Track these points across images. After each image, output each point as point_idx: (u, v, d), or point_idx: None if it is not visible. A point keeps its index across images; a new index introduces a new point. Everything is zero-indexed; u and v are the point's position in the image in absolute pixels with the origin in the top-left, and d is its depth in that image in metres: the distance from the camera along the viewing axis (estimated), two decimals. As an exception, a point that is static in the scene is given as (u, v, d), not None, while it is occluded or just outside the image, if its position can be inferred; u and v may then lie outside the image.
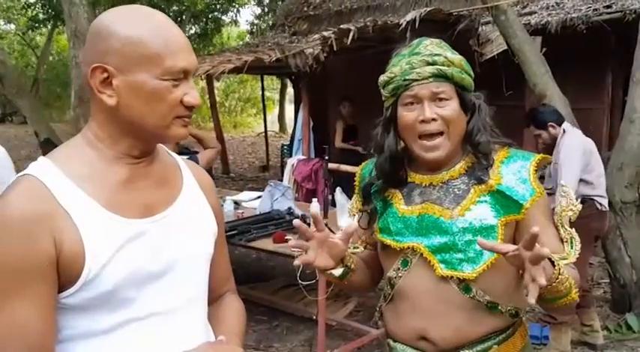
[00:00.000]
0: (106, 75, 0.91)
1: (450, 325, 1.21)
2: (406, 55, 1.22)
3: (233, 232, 3.10)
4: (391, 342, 1.32)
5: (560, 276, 1.08)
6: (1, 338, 0.86)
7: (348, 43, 5.25)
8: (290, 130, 12.30)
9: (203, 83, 8.85)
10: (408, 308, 1.25)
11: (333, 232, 1.22)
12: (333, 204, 3.60)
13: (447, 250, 1.19)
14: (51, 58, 19.96)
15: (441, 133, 1.20)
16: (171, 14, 11.97)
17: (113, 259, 0.90)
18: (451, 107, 1.19)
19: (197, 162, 2.09)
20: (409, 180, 1.29)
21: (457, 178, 1.25)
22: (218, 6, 14.05)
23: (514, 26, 3.93)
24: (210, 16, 14.14)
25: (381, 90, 1.27)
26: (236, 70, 6.02)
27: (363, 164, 1.43)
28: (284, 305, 3.91)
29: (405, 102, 1.21)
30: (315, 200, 3.60)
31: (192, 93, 0.94)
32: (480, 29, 5.55)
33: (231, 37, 19.74)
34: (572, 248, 1.22)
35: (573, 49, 5.42)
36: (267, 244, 3.14)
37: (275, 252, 3.18)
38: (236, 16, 15.26)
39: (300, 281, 1.19)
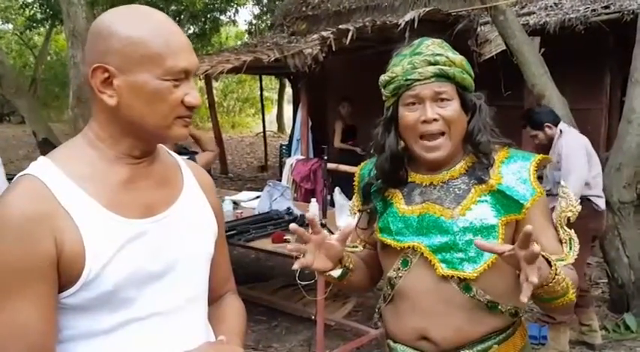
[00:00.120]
0: (106, 75, 0.91)
1: (450, 325, 1.21)
2: (407, 54, 1.22)
3: (232, 232, 3.10)
4: (391, 343, 1.32)
5: (556, 277, 1.08)
6: (1, 338, 0.86)
7: (347, 43, 5.25)
8: (288, 130, 12.30)
9: (201, 83, 8.85)
10: (409, 308, 1.25)
11: (332, 232, 1.22)
12: (332, 204, 3.60)
13: (447, 250, 1.20)
14: (49, 57, 19.93)
15: (442, 133, 1.20)
16: (169, 14, 11.95)
17: (114, 259, 0.90)
18: (452, 107, 1.20)
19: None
20: (409, 179, 1.29)
21: (457, 178, 1.25)
22: (216, 5, 14.04)
23: (513, 26, 3.93)
24: (208, 16, 14.13)
25: (382, 90, 1.27)
26: (235, 70, 6.02)
27: (362, 164, 1.43)
28: (283, 305, 3.91)
29: (406, 102, 1.21)
30: (313, 200, 3.61)
31: (193, 93, 0.94)
32: (478, 29, 5.56)
33: (230, 37, 19.74)
34: (570, 249, 1.23)
35: (572, 50, 5.43)
36: (265, 244, 3.14)
37: (274, 252, 3.18)
38: (234, 15, 15.24)
39: (299, 281, 1.19)
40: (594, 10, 5.59)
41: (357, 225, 1.40)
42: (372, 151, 1.33)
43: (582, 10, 5.63)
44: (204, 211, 1.08)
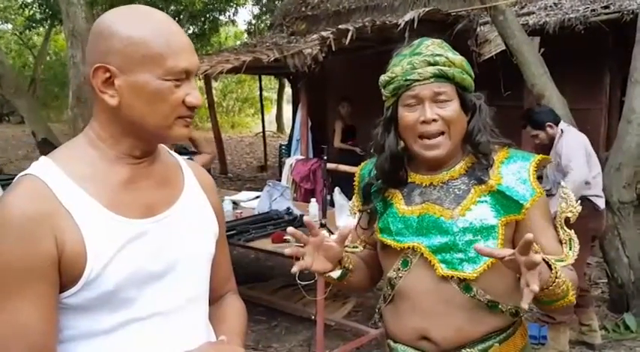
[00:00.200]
0: (108, 75, 0.91)
1: (450, 325, 1.21)
2: (407, 55, 1.22)
3: (232, 232, 3.10)
4: (391, 343, 1.32)
5: (557, 280, 1.08)
6: (2, 338, 0.86)
7: (347, 43, 5.26)
8: (288, 130, 12.30)
9: (201, 83, 8.85)
10: (409, 308, 1.25)
11: (332, 232, 1.22)
12: (332, 204, 3.60)
13: (447, 250, 1.20)
14: (48, 57, 19.93)
15: (441, 133, 1.20)
16: (169, 14, 11.90)
17: (114, 259, 0.90)
18: (452, 108, 1.20)
19: None
20: (409, 180, 1.29)
21: (457, 178, 1.25)
22: (216, 5, 14.03)
23: (512, 26, 3.93)
24: (207, 16, 14.13)
25: (382, 90, 1.27)
26: (234, 70, 6.03)
27: (362, 164, 1.43)
28: (283, 306, 3.91)
29: (405, 103, 1.22)
30: (313, 200, 3.61)
31: (194, 93, 0.94)
32: (478, 29, 5.57)
33: (229, 37, 19.74)
34: (570, 249, 1.23)
35: (571, 50, 5.44)
36: (265, 244, 3.14)
37: (274, 252, 3.17)
38: (234, 15, 15.24)
39: (298, 281, 1.19)
40: (594, 10, 5.60)
41: (357, 225, 1.40)
42: (372, 151, 1.33)
43: (582, 10, 5.63)
44: (205, 211, 1.08)
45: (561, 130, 3.26)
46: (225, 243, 1.17)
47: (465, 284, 1.19)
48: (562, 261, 1.20)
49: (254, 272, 4.63)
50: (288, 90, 15.81)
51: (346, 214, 3.16)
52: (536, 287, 0.98)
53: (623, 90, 4.15)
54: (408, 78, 1.19)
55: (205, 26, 14.45)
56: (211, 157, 3.60)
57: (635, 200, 3.71)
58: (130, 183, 0.96)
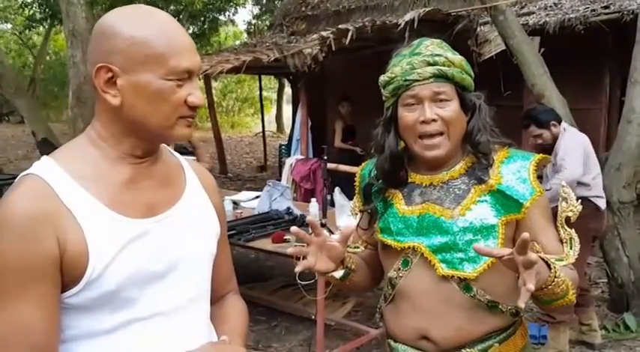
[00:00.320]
0: (110, 75, 0.91)
1: (451, 324, 1.21)
2: (407, 55, 1.22)
3: (232, 232, 3.10)
4: (392, 343, 1.32)
5: (556, 279, 1.08)
6: (4, 338, 0.86)
7: (347, 43, 5.26)
8: (288, 130, 12.30)
9: (201, 83, 8.85)
10: (409, 308, 1.26)
11: (332, 232, 1.23)
12: (332, 204, 3.60)
13: (447, 250, 1.20)
14: (48, 57, 19.92)
15: (441, 133, 1.20)
16: (169, 14, 11.93)
17: (116, 259, 0.90)
18: (451, 108, 1.20)
19: None
20: (409, 180, 1.30)
21: (457, 178, 1.25)
22: (216, 5, 14.03)
23: (512, 26, 3.93)
24: (207, 16, 14.12)
25: (382, 91, 1.27)
26: (234, 70, 6.03)
27: (363, 164, 1.44)
28: (283, 305, 3.91)
29: (405, 103, 1.22)
30: (313, 200, 3.61)
31: (195, 93, 0.94)
32: (478, 29, 5.57)
33: (229, 37, 19.73)
34: (571, 248, 1.23)
35: (571, 50, 5.44)
36: (265, 244, 3.14)
37: (274, 252, 3.18)
38: (233, 15, 15.24)
39: (298, 281, 1.19)
40: (594, 10, 5.60)
41: (358, 226, 1.40)
42: (372, 151, 1.33)
43: (582, 10, 5.64)
44: (207, 211, 1.08)
45: (563, 129, 3.27)
46: (226, 243, 1.17)
47: (465, 284, 1.19)
48: (562, 260, 1.20)
49: (254, 272, 4.63)
50: (287, 90, 15.81)
51: (346, 214, 3.16)
52: (531, 286, 0.98)
53: (623, 90, 4.16)
54: (408, 78, 1.20)
55: (205, 26, 14.44)
56: (207, 167, 3.62)
57: (635, 200, 3.71)
58: (131, 183, 0.96)
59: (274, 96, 19.84)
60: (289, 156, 6.70)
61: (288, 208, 3.56)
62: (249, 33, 14.75)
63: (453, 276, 1.19)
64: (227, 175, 9.63)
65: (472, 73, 1.25)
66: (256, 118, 18.28)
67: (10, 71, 7.28)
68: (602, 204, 3.24)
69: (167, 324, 0.98)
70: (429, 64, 1.19)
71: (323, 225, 3.26)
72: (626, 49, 4.01)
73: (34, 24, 14.52)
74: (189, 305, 1.02)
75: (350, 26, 5.36)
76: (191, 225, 1.03)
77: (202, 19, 14.14)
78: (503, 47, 4.35)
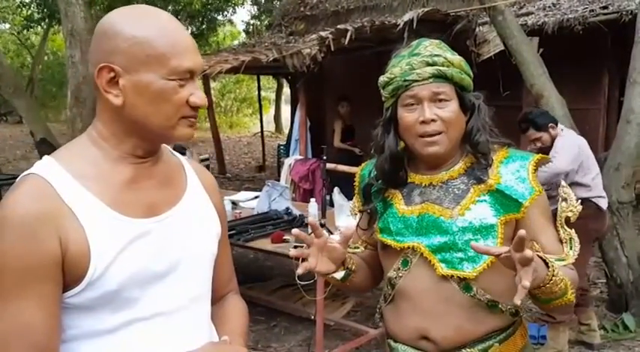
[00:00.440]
0: (112, 74, 0.91)
1: (451, 324, 1.21)
2: (406, 55, 1.22)
3: (231, 232, 3.10)
4: (392, 343, 1.32)
5: (554, 278, 1.08)
6: (5, 337, 0.86)
7: (346, 43, 5.25)
8: (286, 130, 12.29)
9: (199, 83, 8.84)
10: (409, 308, 1.26)
11: (332, 232, 1.23)
12: (331, 204, 3.60)
13: (447, 249, 1.20)
14: (46, 57, 19.90)
15: (440, 133, 1.21)
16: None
17: (118, 259, 0.90)
18: (450, 108, 1.20)
19: None
20: (409, 180, 1.30)
21: (457, 178, 1.25)
22: (214, 5, 14.03)
23: (511, 27, 3.94)
24: (206, 15, 14.12)
25: (381, 91, 1.27)
26: (233, 70, 6.02)
27: (363, 165, 1.44)
28: (282, 305, 3.91)
29: (405, 103, 1.22)
30: (313, 200, 3.61)
31: (197, 93, 0.94)
32: (477, 30, 5.57)
33: (227, 37, 19.73)
34: (571, 249, 1.23)
35: (570, 50, 5.45)
36: (265, 244, 3.14)
37: (273, 252, 3.18)
38: (232, 15, 15.25)
39: (298, 281, 1.19)
40: (592, 10, 5.62)
41: (357, 226, 1.40)
42: (372, 152, 1.33)
43: (580, 11, 5.65)
44: (208, 211, 1.08)
45: (561, 130, 3.27)
46: (227, 243, 1.17)
47: (464, 284, 1.19)
48: (562, 259, 1.20)
49: (253, 273, 4.63)
50: (286, 90, 15.80)
51: (346, 214, 3.16)
52: (527, 283, 0.98)
53: (622, 91, 4.16)
54: (407, 78, 1.20)
55: (203, 26, 14.44)
56: None
57: (633, 200, 3.72)
58: (133, 183, 0.96)
59: (273, 96, 19.84)
60: (288, 156, 6.70)
61: (287, 208, 3.56)
62: (247, 33, 14.74)
63: (452, 276, 1.19)
64: (225, 175, 9.62)
65: (471, 73, 1.25)
66: (255, 118, 18.28)
67: (9, 71, 7.26)
68: (603, 204, 3.23)
69: (168, 324, 0.98)
70: (428, 65, 1.19)
71: (322, 225, 3.26)
72: (624, 50, 4.02)
73: (32, 24, 14.50)
74: (191, 305, 1.02)
75: (349, 26, 5.36)
76: (192, 225, 1.03)
77: (201, 19, 14.14)
78: (502, 47, 4.36)
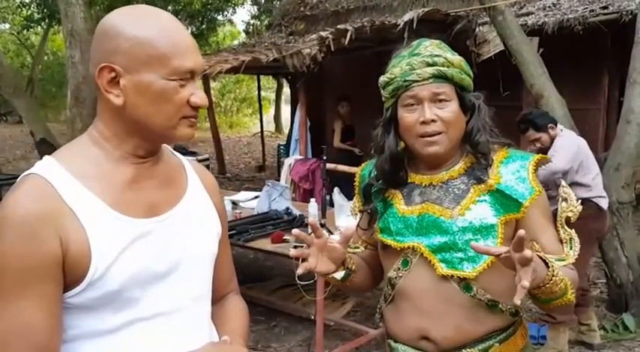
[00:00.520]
0: (113, 74, 0.91)
1: (451, 324, 1.21)
2: (406, 56, 1.23)
3: (231, 232, 3.10)
4: (392, 343, 1.32)
5: (554, 278, 1.08)
6: (5, 338, 0.86)
7: (346, 43, 5.25)
8: (286, 130, 12.29)
9: (199, 83, 8.84)
10: (409, 308, 1.26)
11: (332, 232, 1.23)
12: (331, 204, 3.60)
13: (447, 249, 1.20)
14: (46, 57, 19.89)
15: (440, 133, 1.21)
16: (167, 13, 11.91)
17: (119, 259, 0.90)
18: (450, 109, 1.20)
19: None
20: (409, 180, 1.30)
21: (457, 178, 1.25)
22: (214, 5, 14.03)
23: (511, 27, 3.94)
24: (206, 15, 14.12)
25: (381, 91, 1.27)
26: (233, 70, 6.02)
27: (363, 165, 1.44)
28: (282, 306, 3.91)
29: (405, 103, 1.22)
30: (313, 200, 3.61)
31: (198, 93, 0.94)
32: (477, 30, 5.57)
33: (227, 37, 19.73)
34: (571, 249, 1.23)
35: (570, 50, 5.45)
36: (265, 244, 3.14)
37: (273, 252, 3.18)
38: (232, 15, 15.25)
39: (298, 281, 1.19)
40: (592, 10, 5.62)
41: (357, 226, 1.40)
42: (372, 152, 1.33)
43: (580, 11, 5.65)
44: (208, 211, 1.08)
45: (560, 130, 3.27)
46: (227, 243, 1.17)
47: (465, 284, 1.19)
48: (563, 259, 1.20)
49: (253, 273, 4.63)
50: (286, 90, 15.80)
51: (346, 214, 3.16)
52: (526, 283, 0.98)
53: (622, 91, 4.16)
54: (407, 79, 1.20)
55: (203, 26, 14.44)
56: None
57: (633, 200, 3.72)
58: (134, 183, 0.96)
59: (272, 96, 19.84)
60: (288, 156, 6.70)
61: (287, 208, 3.56)
62: (247, 33, 14.75)
63: (452, 276, 1.19)
64: (225, 175, 9.62)
65: (471, 74, 1.25)
66: (254, 118, 18.28)
67: (9, 71, 7.26)
68: (604, 204, 3.23)
69: (169, 324, 0.98)
70: (429, 65, 1.19)
71: (322, 225, 3.26)
72: (624, 50, 4.02)
73: (32, 24, 14.50)
74: (191, 305, 1.02)
75: (349, 26, 5.36)
76: (193, 225, 1.03)
77: (201, 19, 14.14)
78: (502, 47, 4.36)
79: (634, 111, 3.52)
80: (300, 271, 1.14)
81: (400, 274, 1.26)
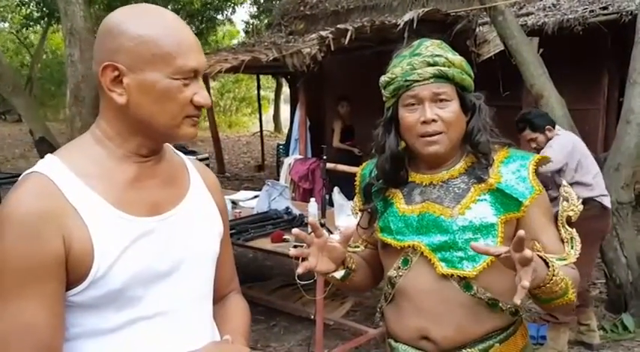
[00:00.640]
0: (116, 73, 0.91)
1: (451, 323, 1.21)
2: (407, 55, 1.23)
3: (231, 231, 3.10)
4: (392, 342, 1.32)
5: (554, 278, 1.08)
6: (7, 337, 0.86)
7: (346, 42, 5.25)
8: (285, 130, 12.29)
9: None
10: (409, 307, 1.26)
11: (331, 232, 1.23)
12: (331, 204, 3.60)
13: (447, 248, 1.20)
14: (45, 56, 19.86)
15: (440, 133, 1.21)
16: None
17: (121, 257, 0.90)
18: (451, 109, 1.20)
19: None
20: (410, 179, 1.30)
21: (457, 177, 1.26)
22: (214, 4, 14.03)
23: (512, 27, 3.94)
24: (205, 14, 14.12)
25: (382, 91, 1.27)
26: (232, 70, 6.01)
27: (363, 164, 1.44)
28: (282, 305, 3.91)
29: (405, 103, 1.22)
30: (312, 200, 3.61)
31: (201, 93, 0.95)
32: (477, 30, 5.57)
33: (226, 36, 19.71)
34: (572, 248, 1.23)
35: (570, 50, 5.45)
36: (265, 244, 3.14)
37: (273, 252, 3.18)
38: (231, 14, 15.23)
39: (297, 280, 1.19)
40: (592, 10, 5.62)
41: (358, 225, 1.40)
42: (372, 152, 1.33)
43: (580, 11, 5.66)
44: (210, 210, 1.08)
45: (558, 133, 3.27)
46: (228, 243, 1.17)
47: (465, 283, 1.20)
48: (563, 259, 1.20)
49: (253, 272, 4.63)
50: (285, 90, 15.79)
51: (345, 214, 3.16)
52: (526, 283, 0.98)
53: (621, 91, 4.17)
54: (408, 78, 1.20)
55: (203, 25, 14.43)
56: None
57: (633, 200, 3.72)
58: (136, 182, 0.96)
59: (272, 95, 19.83)
60: (287, 155, 6.69)
61: (287, 208, 3.56)
62: (246, 32, 14.74)
63: (452, 275, 1.20)
64: (225, 175, 9.62)
65: (472, 74, 1.26)
66: (254, 118, 18.26)
67: (8, 70, 7.24)
68: (607, 202, 3.22)
69: (171, 323, 0.98)
70: (429, 65, 1.19)
71: (322, 225, 3.26)
72: (624, 50, 4.03)
73: (31, 23, 14.48)
74: (193, 305, 1.02)
75: (349, 26, 5.36)
76: (195, 224, 1.03)
77: (200, 18, 14.13)
78: (502, 47, 4.36)
79: (634, 111, 3.53)
80: (300, 270, 1.15)
81: (400, 273, 1.26)
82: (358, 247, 1.42)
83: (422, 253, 1.22)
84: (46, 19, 13.55)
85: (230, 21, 16.19)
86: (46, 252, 0.85)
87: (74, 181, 0.90)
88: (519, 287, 0.99)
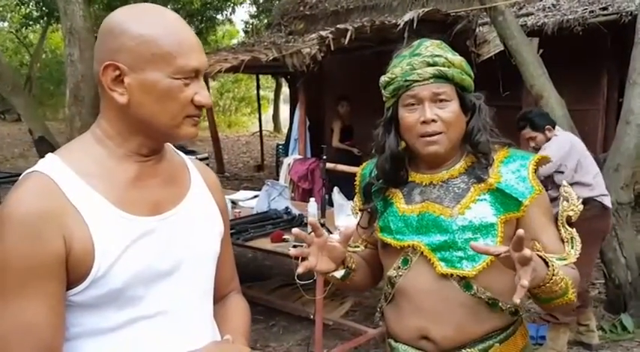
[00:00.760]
0: (117, 73, 0.91)
1: (451, 323, 1.21)
2: (407, 56, 1.23)
3: (230, 231, 3.08)
4: (392, 342, 1.32)
5: (554, 277, 1.08)
6: (9, 336, 0.86)
7: (346, 42, 5.25)
8: (285, 130, 12.29)
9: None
10: (409, 307, 1.26)
11: (331, 232, 1.23)
12: (330, 204, 3.60)
13: (447, 248, 1.20)
14: (44, 55, 19.85)
15: (440, 133, 1.21)
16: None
17: (122, 257, 0.90)
18: (451, 109, 1.20)
19: None
20: (410, 179, 1.30)
21: (457, 177, 1.26)
22: (214, 4, 14.03)
23: (512, 27, 3.94)
24: (205, 14, 14.11)
25: (382, 91, 1.27)
26: (232, 69, 6.01)
27: (363, 164, 1.44)
28: (281, 305, 3.91)
29: (405, 103, 1.22)
30: (312, 200, 3.61)
31: (202, 92, 0.94)
32: (477, 30, 5.57)
33: (225, 36, 19.71)
34: (572, 248, 1.23)
35: (570, 51, 5.45)
36: (264, 243, 3.14)
37: (272, 252, 3.18)
38: (231, 14, 15.24)
39: (297, 280, 1.19)
40: (592, 11, 5.62)
41: (358, 225, 1.41)
42: (372, 152, 1.34)
43: (580, 12, 5.66)
44: (211, 210, 1.08)
45: (556, 134, 3.28)
46: (229, 242, 1.17)
47: (465, 283, 1.20)
48: (563, 259, 1.20)
49: (252, 272, 4.63)
50: (285, 90, 15.79)
51: (345, 214, 3.16)
52: (526, 282, 0.98)
53: (621, 92, 4.17)
54: (408, 78, 1.20)
55: (202, 25, 14.42)
56: None
57: (632, 201, 3.72)
58: (137, 181, 0.96)
59: (271, 95, 19.83)
60: (287, 155, 6.70)
61: (287, 208, 3.56)
62: (246, 32, 14.73)
63: (452, 275, 1.20)
64: (224, 175, 9.61)
65: (472, 74, 1.26)
66: (253, 118, 18.26)
67: (7, 69, 7.23)
68: (607, 202, 3.22)
69: (172, 323, 0.98)
70: (429, 65, 1.20)
71: (322, 225, 3.26)
72: (624, 51, 4.03)
73: (30, 22, 14.48)
74: (194, 304, 1.02)
75: (349, 26, 5.36)
76: (195, 223, 1.03)
77: (200, 17, 14.13)
78: (502, 48, 4.36)
79: (633, 112, 3.53)
80: (300, 270, 1.15)
81: (400, 273, 1.26)
82: (358, 247, 1.42)
83: (422, 253, 1.22)
84: (45, 18, 13.55)
85: (230, 21, 16.21)
86: (46, 252, 0.85)
87: (75, 181, 0.90)
88: (519, 286, 0.99)
